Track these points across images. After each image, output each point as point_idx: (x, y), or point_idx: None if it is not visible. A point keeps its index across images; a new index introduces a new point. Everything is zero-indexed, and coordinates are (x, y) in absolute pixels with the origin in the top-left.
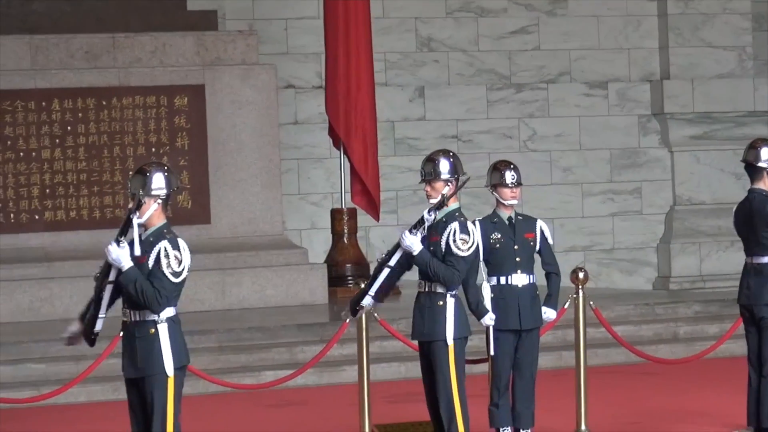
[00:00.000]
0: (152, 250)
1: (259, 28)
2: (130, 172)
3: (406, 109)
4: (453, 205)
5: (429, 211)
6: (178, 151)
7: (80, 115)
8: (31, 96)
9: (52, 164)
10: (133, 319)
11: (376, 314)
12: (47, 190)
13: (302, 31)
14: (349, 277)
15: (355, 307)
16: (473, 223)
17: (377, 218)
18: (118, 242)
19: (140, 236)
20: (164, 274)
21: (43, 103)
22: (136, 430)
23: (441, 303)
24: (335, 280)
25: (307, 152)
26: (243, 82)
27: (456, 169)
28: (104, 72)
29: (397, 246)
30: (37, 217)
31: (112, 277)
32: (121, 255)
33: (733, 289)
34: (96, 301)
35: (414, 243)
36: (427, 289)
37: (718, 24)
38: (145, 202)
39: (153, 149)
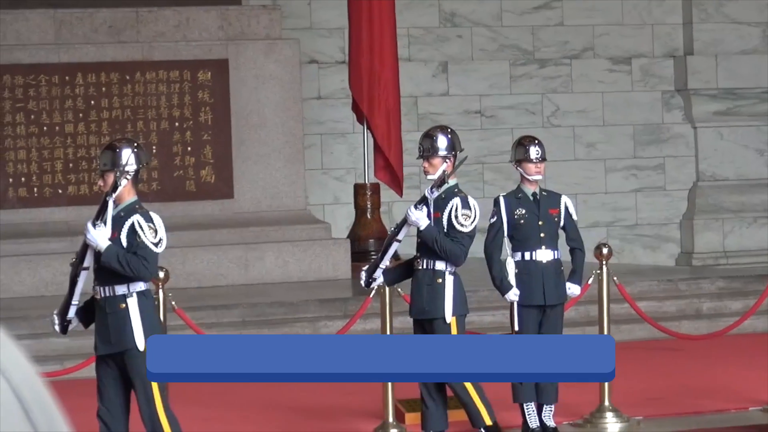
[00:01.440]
0: (123, 225)
1: (282, 3)
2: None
3: (429, 85)
4: (451, 181)
5: (431, 189)
6: (202, 126)
7: (104, 89)
8: (54, 70)
9: (75, 138)
10: (103, 295)
11: (399, 289)
12: (70, 165)
13: (325, 6)
14: (372, 252)
15: (369, 279)
16: (497, 198)
17: (400, 193)
18: (94, 225)
19: (121, 212)
20: (145, 244)
21: (67, 78)
22: (108, 405)
23: (440, 280)
24: (358, 255)
25: (330, 127)
26: (266, 56)
27: (454, 146)
28: (128, 46)
29: (404, 221)
30: (60, 191)
31: (87, 263)
32: (98, 236)
33: (756, 266)
34: (70, 288)
35: (421, 218)
36: (425, 267)
37: None
38: (120, 184)
39: (176, 124)
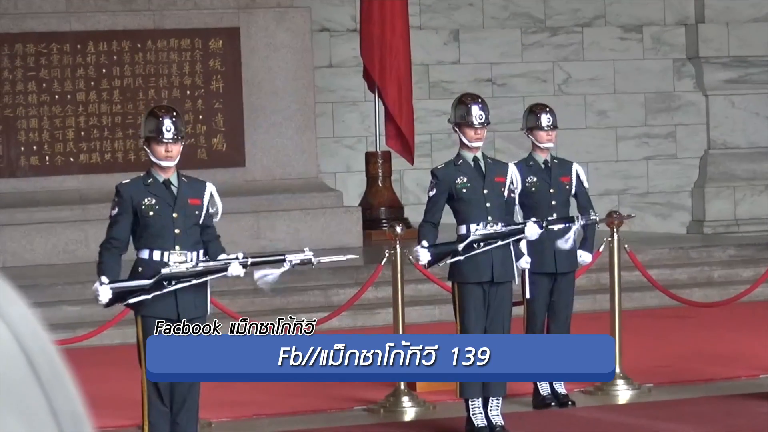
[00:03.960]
0: (203, 192)
1: None
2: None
3: (440, 53)
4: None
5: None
6: (213, 94)
7: (115, 57)
8: (66, 39)
9: (87, 107)
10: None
11: (411, 257)
12: (82, 133)
13: None
14: (384, 221)
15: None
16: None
17: (412, 161)
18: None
19: (183, 178)
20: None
21: (79, 46)
22: None
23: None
24: (370, 223)
25: (342, 96)
26: (278, 25)
27: None
28: (139, 15)
29: None
30: (72, 159)
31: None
32: None
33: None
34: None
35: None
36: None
37: None
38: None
39: (188, 92)
